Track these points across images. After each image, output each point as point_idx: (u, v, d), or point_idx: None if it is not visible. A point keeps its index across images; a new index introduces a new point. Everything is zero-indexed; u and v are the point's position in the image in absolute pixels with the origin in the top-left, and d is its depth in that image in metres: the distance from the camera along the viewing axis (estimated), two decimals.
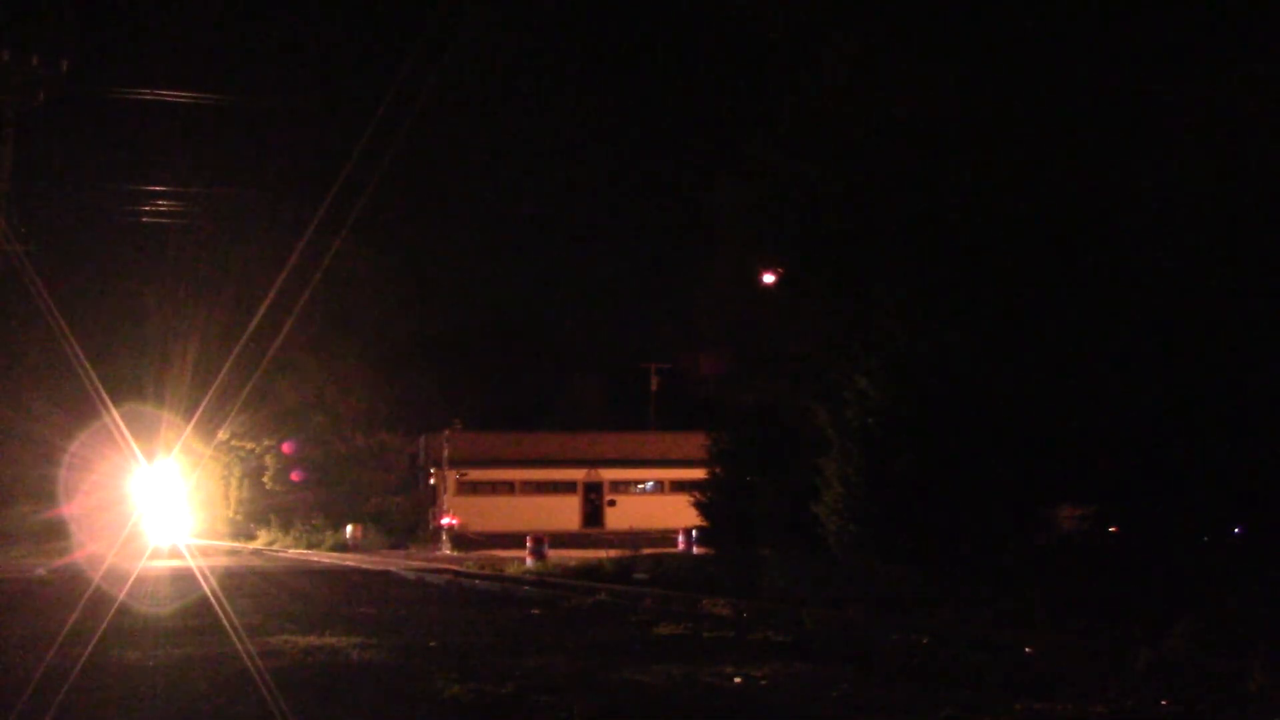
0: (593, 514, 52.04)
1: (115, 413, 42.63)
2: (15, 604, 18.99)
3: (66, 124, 57.66)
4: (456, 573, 26.27)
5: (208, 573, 26.16)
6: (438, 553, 40.48)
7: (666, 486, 51.18)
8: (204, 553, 39.47)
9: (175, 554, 38.87)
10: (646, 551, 28.89)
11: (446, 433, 48.43)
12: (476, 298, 73.56)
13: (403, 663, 11.13)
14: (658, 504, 49.53)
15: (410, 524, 50.70)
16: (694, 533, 30.25)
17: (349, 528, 46.70)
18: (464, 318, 62.60)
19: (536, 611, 16.83)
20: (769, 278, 24.88)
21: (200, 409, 47.75)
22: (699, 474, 28.90)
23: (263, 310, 41.19)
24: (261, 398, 49.77)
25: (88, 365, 37.66)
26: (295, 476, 52.40)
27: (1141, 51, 19.93)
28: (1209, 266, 18.21)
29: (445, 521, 44.59)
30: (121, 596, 18.93)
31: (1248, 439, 17.30)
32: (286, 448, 51.85)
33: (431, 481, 51.47)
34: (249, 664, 11.00)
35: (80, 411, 45.10)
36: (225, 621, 15.02)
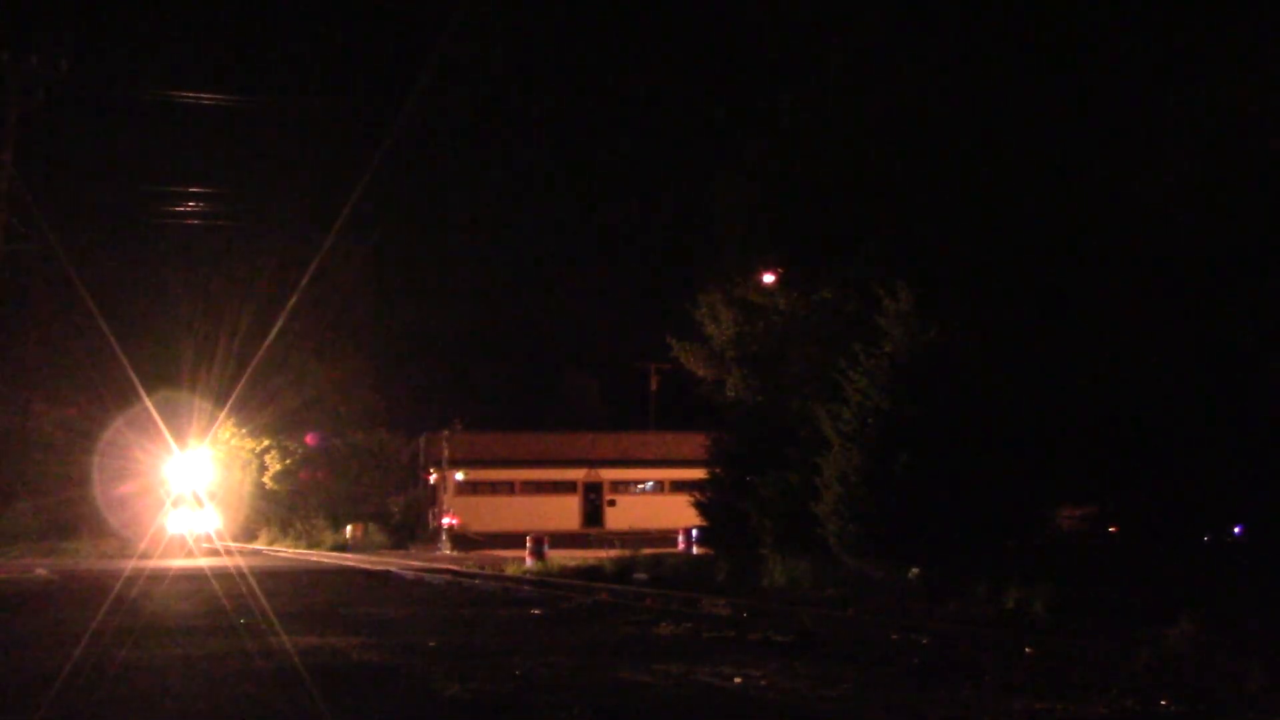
0: (593, 514, 52.07)
1: (127, 411, 42.75)
2: (20, 602, 18.98)
3: (90, 122, 57.96)
4: (456, 573, 26.25)
5: (208, 573, 26.17)
6: (438, 553, 40.48)
7: (666, 486, 51.21)
8: (203, 552, 39.46)
9: (178, 553, 38.87)
10: (646, 551, 28.88)
11: (446, 433, 48.46)
12: (476, 298, 73.58)
13: (403, 663, 11.12)
14: (658, 504, 49.56)
15: (410, 524, 50.76)
16: (694, 533, 30.25)
17: (349, 528, 46.73)
18: (463, 318, 62.64)
19: (536, 611, 16.82)
20: (769, 278, 24.87)
21: (202, 410, 47.86)
22: (699, 474, 28.90)
23: (282, 319, 41.39)
24: (262, 398, 49.82)
25: (119, 353, 37.82)
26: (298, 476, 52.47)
27: (1142, 49, 19.93)
28: (1210, 265, 18.21)
29: (445, 521, 44.61)
30: (121, 596, 18.93)
31: (1248, 439, 17.30)
32: (310, 439, 51.94)
33: (431, 481, 51.49)
34: (248, 664, 10.99)
35: (87, 413, 45.20)
36: (224, 621, 15.02)
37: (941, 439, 18.73)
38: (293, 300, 41.92)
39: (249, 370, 45.34)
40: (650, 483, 53.26)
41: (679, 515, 34.58)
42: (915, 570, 18.76)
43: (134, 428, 44.51)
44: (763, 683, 9.83)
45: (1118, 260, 19.37)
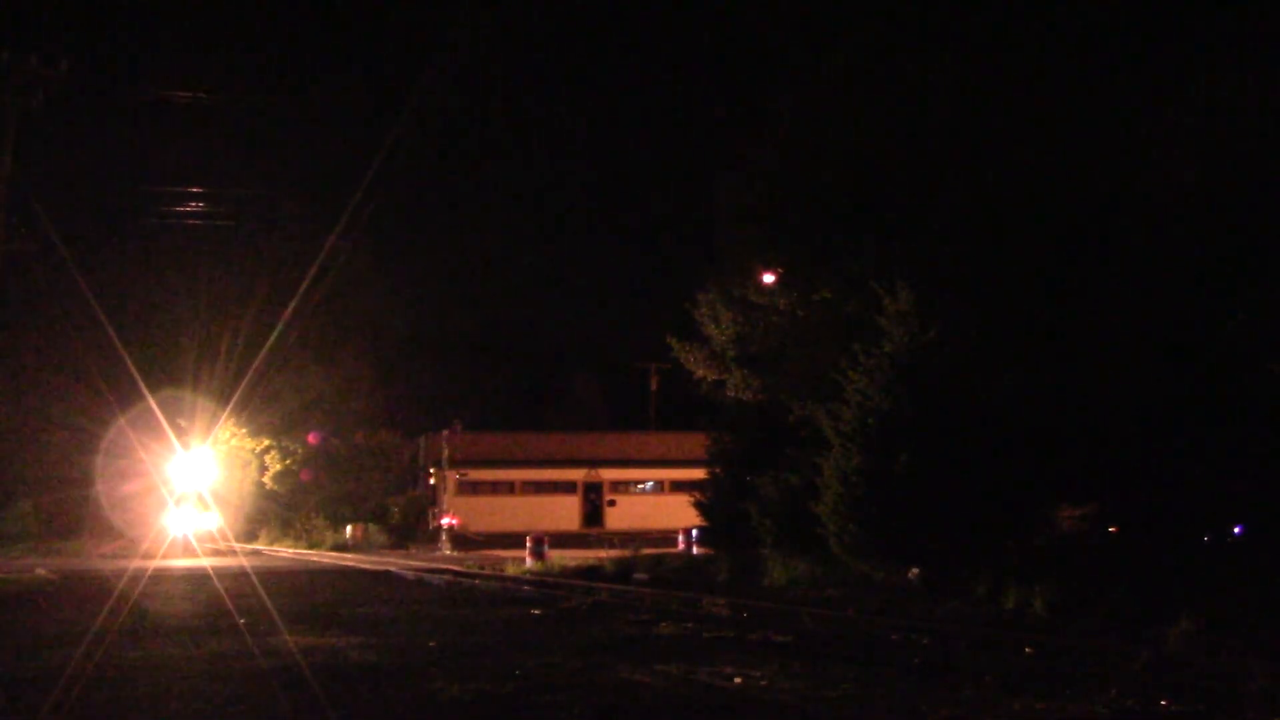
0: (593, 514, 52.02)
1: (129, 411, 42.81)
2: (22, 602, 19.01)
3: (90, 122, 57.92)
4: (456, 573, 26.26)
5: (210, 573, 26.20)
6: (438, 553, 40.47)
7: (666, 486, 51.17)
8: (205, 552, 39.48)
9: (180, 553, 38.89)
10: (646, 551, 28.91)
11: (446, 433, 48.43)
12: (476, 298, 73.62)
13: (403, 663, 11.14)
14: (658, 504, 49.51)
15: (410, 524, 50.70)
16: (694, 533, 30.26)
17: (349, 528, 46.72)
18: (464, 318, 62.67)
19: (536, 611, 16.84)
20: (769, 278, 24.89)
21: (204, 410, 47.89)
22: (699, 474, 28.90)
23: (284, 319, 41.41)
24: (262, 399, 49.81)
25: (122, 352, 37.84)
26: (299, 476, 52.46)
27: (1143, 50, 19.94)
28: (1211, 265, 18.22)
29: (445, 521, 44.58)
30: (123, 596, 18.95)
31: (1248, 438, 17.30)
32: (311, 439, 51.90)
33: (431, 481, 51.47)
34: (249, 664, 11.02)
35: (88, 412, 45.21)
36: (226, 621, 15.05)
37: (941, 439, 18.74)
38: (294, 301, 41.95)
39: (250, 370, 45.36)
40: (650, 483, 53.23)
41: (679, 515, 34.57)
42: (915, 570, 18.77)
43: (136, 427, 44.50)
44: (763, 683, 9.85)
45: (1118, 260, 19.38)
